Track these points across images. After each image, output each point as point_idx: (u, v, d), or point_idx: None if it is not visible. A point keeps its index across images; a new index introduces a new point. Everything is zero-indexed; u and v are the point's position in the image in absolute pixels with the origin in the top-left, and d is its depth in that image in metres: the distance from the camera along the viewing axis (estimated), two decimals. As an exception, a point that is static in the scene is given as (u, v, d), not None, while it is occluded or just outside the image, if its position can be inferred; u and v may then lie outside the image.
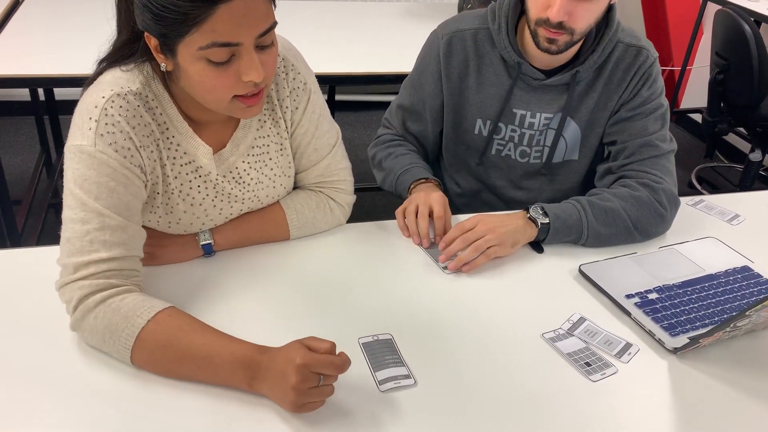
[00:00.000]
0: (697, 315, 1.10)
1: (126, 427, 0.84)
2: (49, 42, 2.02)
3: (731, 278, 1.20)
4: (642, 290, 1.15)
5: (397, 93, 1.54)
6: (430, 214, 1.27)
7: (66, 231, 0.96)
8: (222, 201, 1.13)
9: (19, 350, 0.95)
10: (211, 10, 0.86)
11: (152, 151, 1.03)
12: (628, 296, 1.13)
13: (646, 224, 1.27)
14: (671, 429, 0.90)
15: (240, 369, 0.88)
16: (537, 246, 1.26)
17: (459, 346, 1.02)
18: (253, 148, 1.14)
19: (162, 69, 0.97)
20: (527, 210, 1.26)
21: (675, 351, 1.03)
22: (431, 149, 1.56)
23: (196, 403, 0.88)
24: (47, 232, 2.48)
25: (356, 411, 0.89)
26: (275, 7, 0.95)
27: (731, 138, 3.61)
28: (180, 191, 1.09)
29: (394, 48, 2.24)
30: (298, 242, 1.23)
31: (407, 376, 0.95)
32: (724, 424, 0.92)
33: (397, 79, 2.01)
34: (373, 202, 2.91)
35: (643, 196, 1.28)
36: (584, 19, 1.23)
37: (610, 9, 1.31)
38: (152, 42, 0.93)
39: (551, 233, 1.23)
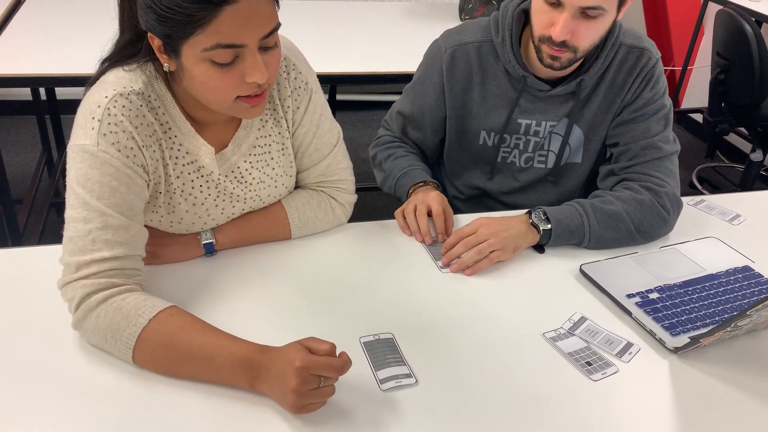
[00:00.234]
0: (697, 315, 1.10)
1: (127, 426, 0.85)
2: (50, 41, 2.02)
3: (732, 278, 1.20)
4: (643, 290, 1.15)
5: (398, 93, 1.54)
6: (429, 214, 1.28)
7: (68, 230, 0.96)
8: (224, 200, 1.14)
9: (20, 349, 0.95)
10: (216, 12, 0.86)
11: (155, 151, 1.03)
12: (629, 296, 1.13)
13: (648, 227, 1.27)
14: (672, 428, 0.91)
15: (241, 369, 0.88)
16: (538, 247, 1.26)
17: (460, 345, 1.02)
18: (254, 147, 1.14)
19: (165, 69, 0.97)
20: (529, 214, 1.25)
21: (676, 350, 1.03)
22: (431, 155, 1.56)
23: (198, 402, 0.89)
24: (48, 231, 2.48)
25: (357, 410, 0.89)
26: (278, 8, 0.95)
27: (732, 138, 3.61)
28: (182, 191, 1.09)
29: (395, 48, 2.24)
30: (300, 241, 1.23)
31: (408, 375, 0.95)
32: (725, 423, 0.92)
33: (398, 78, 2.02)
34: (374, 202, 2.91)
35: (646, 199, 1.28)
36: (588, 38, 1.23)
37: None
38: (155, 42, 0.93)
39: (553, 238, 1.24)
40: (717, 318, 1.10)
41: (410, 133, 1.51)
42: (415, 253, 1.23)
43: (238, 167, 1.13)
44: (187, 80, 0.96)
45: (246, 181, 1.15)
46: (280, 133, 1.16)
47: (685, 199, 1.38)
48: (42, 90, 2.74)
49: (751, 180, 2.89)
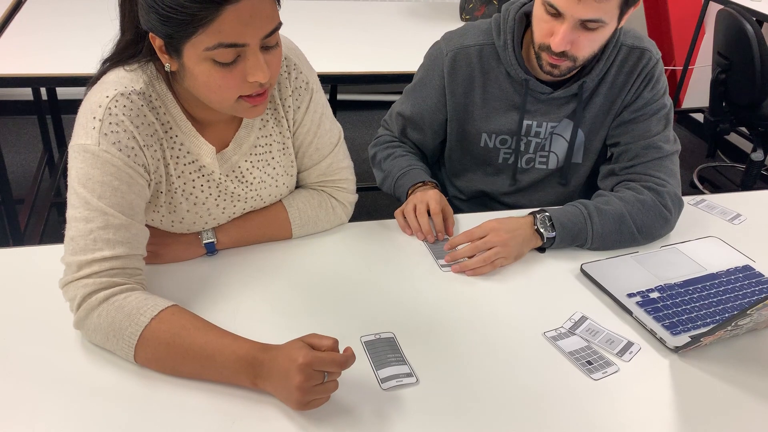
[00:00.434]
0: (698, 314, 1.10)
1: (129, 425, 0.85)
2: (51, 42, 2.03)
3: (732, 277, 1.20)
4: (643, 289, 1.15)
5: (398, 92, 1.54)
6: (429, 213, 1.28)
7: (70, 229, 0.96)
8: (225, 200, 1.14)
9: (22, 349, 0.95)
10: (218, 12, 0.86)
11: (156, 151, 1.03)
12: (630, 295, 1.13)
13: (650, 228, 1.27)
14: (672, 427, 0.91)
15: (243, 368, 0.88)
16: (539, 247, 1.26)
17: (461, 344, 1.02)
18: (255, 147, 1.14)
19: (166, 69, 0.97)
20: (534, 217, 1.25)
21: (676, 350, 1.03)
22: (431, 155, 1.56)
23: (199, 401, 0.89)
24: (50, 231, 2.48)
25: (358, 409, 0.89)
26: (280, 7, 0.95)
27: (733, 137, 3.61)
28: (183, 190, 1.09)
29: (395, 48, 2.24)
30: (300, 241, 1.23)
31: (409, 375, 0.95)
32: (725, 422, 0.92)
33: (398, 78, 2.02)
34: (375, 202, 2.91)
35: (648, 199, 1.28)
36: (587, 49, 1.23)
37: None
38: (157, 42, 0.93)
39: (555, 242, 1.24)
40: (717, 317, 1.10)
41: (410, 135, 1.51)
42: (416, 253, 1.24)
43: (239, 167, 1.13)
44: (189, 80, 0.96)
45: (247, 181, 1.15)
46: (281, 133, 1.17)
47: (686, 199, 1.38)
48: (43, 90, 2.74)
49: (751, 179, 2.89)
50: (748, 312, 0.90)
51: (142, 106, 1.00)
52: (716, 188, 3.35)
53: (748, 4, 2.95)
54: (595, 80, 1.34)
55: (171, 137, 1.05)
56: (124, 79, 0.99)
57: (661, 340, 1.05)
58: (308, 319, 1.05)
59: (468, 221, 1.32)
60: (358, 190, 1.31)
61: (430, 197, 1.29)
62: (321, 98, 1.19)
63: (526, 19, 1.33)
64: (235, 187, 1.14)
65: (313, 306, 1.08)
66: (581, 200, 1.30)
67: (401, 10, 2.65)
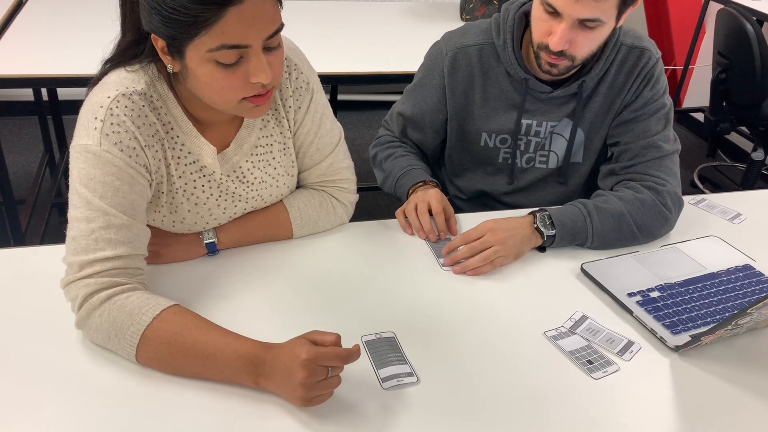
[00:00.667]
0: (698, 313, 1.10)
1: (130, 424, 0.85)
2: (52, 42, 2.03)
3: (733, 277, 1.20)
4: (644, 288, 1.15)
5: (399, 92, 1.54)
6: (430, 212, 1.28)
7: (71, 229, 0.96)
8: (226, 200, 1.14)
9: (23, 348, 0.95)
10: (221, 13, 0.87)
11: (157, 151, 1.03)
12: (630, 294, 1.14)
13: (650, 227, 1.28)
14: (673, 426, 0.91)
15: (244, 367, 0.88)
16: (540, 246, 1.26)
17: (461, 343, 1.02)
18: (256, 147, 1.14)
19: (168, 71, 0.97)
20: (534, 216, 1.25)
21: (677, 349, 1.03)
22: (431, 155, 1.56)
23: (200, 400, 0.89)
24: (50, 232, 2.48)
25: (359, 409, 0.89)
26: (282, 8, 0.95)
27: (733, 137, 3.61)
28: (184, 190, 1.09)
29: (396, 48, 2.24)
30: (301, 241, 1.23)
31: (410, 374, 0.96)
32: (726, 421, 0.92)
33: (399, 78, 2.02)
34: (375, 202, 2.91)
35: (648, 198, 1.28)
36: (585, 48, 1.23)
37: None
38: (159, 43, 0.93)
39: (556, 241, 1.24)
40: (718, 316, 1.10)
41: (410, 134, 1.51)
42: (416, 252, 1.24)
43: (240, 167, 1.14)
44: (192, 81, 0.96)
45: (248, 181, 1.15)
46: (281, 133, 1.17)
47: (686, 198, 1.38)
48: (44, 90, 2.74)
49: (752, 179, 2.89)
50: (748, 311, 0.90)
51: (144, 106, 1.00)
52: (716, 188, 3.35)
53: (748, 4, 2.95)
54: (595, 80, 1.34)
55: (172, 137, 1.05)
56: (126, 80, 0.99)
57: (661, 340, 1.05)
58: (309, 318, 1.05)
59: (468, 221, 1.32)
60: (359, 190, 1.31)
61: (431, 196, 1.30)
62: (321, 98, 1.19)
63: (526, 19, 1.33)
64: (236, 188, 1.14)
65: (314, 306, 1.08)
66: (580, 200, 1.30)
67: (401, 10, 2.65)
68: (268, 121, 1.15)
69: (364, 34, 2.37)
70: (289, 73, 1.13)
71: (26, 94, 2.89)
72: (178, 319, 0.93)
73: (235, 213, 1.17)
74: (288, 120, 1.16)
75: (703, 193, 1.56)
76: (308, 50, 1.20)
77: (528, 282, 1.18)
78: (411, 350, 1.00)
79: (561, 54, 1.23)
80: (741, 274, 1.21)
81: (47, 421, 0.85)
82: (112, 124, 0.96)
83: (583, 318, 1.09)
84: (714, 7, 3.07)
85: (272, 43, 0.94)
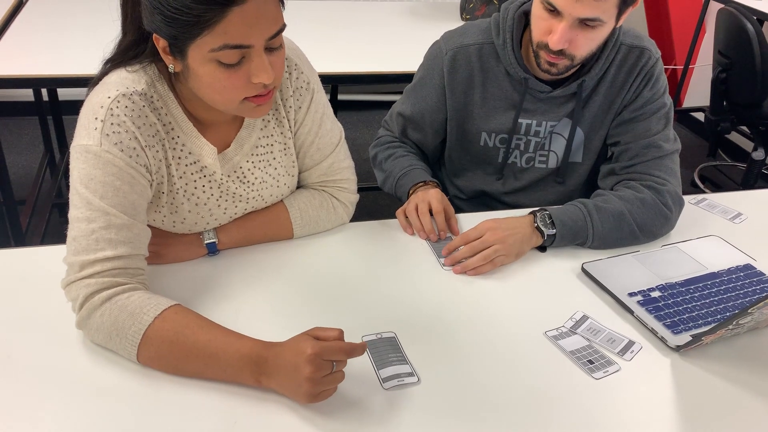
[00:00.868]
0: (699, 313, 1.10)
1: (131, 424, 0.85)
2: (52, 42, 2.03)
3: (734, 276, 1.20)
4: (645, 288, 1.15)
5: (399, 92, 1.54)
6: (430, 212, 1.28)
7: (72, 230, 0.96)
8: (226, 200, 1.14)
9: (24, 349, 0.95)
10: (224, 13, 0.87)
11: (157, 151, 1.03)
12: (631, 294, 1.14)
13: (651, 226, 1.28)
14: (673, 426, 0.91)
15: (247, 365, 0.88)
16: (540, 246, 1.26)
17: (462, 344, 1.02)
18: (257, 147, 1.14)
19: (170, 70, 0.97)
20: (534, 216, 1.25)
21: (677, 349, 1.03)
22: (431, 155, 1.56)
23: (201, 400, 0.89)
24: (51, 232, 2.48)
25: (360, 408, 0.89)
26: (284, 9, 0.96)
27: (734, 137, 3.61)
28: (185, 191, 1.09)
29: (396, 48, 2.24)
30: (302, 241, 1.23)
31: (410, 374, 0.96)
32: (726, 421, 0.92)
33: (399, 78, 2.02)
34: (376, 202, 2.91)
35: (648, 198, 1.28)
36: (585, 47, 1.23)
37: None
38: (161, 43, 0.93)
39: (557, 241, 1.24)
40: (719, 316, 1.10)
41: (411, 135, 1.51)
42: (417, 252, 1.24)
43: (241, 167, 1.14)
44: (193, 81, 0.96)
45: (248, 181, 1.15)
46: (282, 133, 1.17)
47: (686, 198, 1.38)
48: (44, 91, 2.75)
49: (752, 178, 2.89)
50: (749, 311, 0.90)
51: (144, 106, 1.00)
52: (717, 187, 3.35)
53: (749, 3, 2.95)
54: (595, 79, 1.34)
55: (173, 138, 1.05)
56: (126, 80, 0.99)
57: (662, 339, 1.05)
58: (310, 318, 1.05)
59: (468, 221, 1.32)
60: (359, 189, 1.31)
61: (431, 196, 1.30)
62: (322, 98, 1.19)
63: (525, 18, 1.33)
64: (236, 188, 1.14)
65: (315, 306, 1.08)
66: (580, 199, 1.30)
67: (401, 10, 2.65)
68: (269, 121, 1.15)
69: (364, 34, 2.37)
70: (290, 73, 1.13)
71: (26, 94, 2.89)
72: (179, 319, 0.93)
73: (235, 213, 1.17)
74: (288, 120, 1.16)
75: (703, 192, 1.56)
76: (308, 50, 1.20)
77: (529, 282, 1.17)
78: (412, 350, 1.00)
79: (561, 53, 1.23)
80: (742, 274, 1.21)
81: (47, 422, 0.85)
82: (112, 124, 0.96)
83: (584, 318, 1.09)
84: (714, 7, 3.06)
85: (274, 44, 0.94)
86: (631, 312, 1.10)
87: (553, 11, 1.19)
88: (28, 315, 1.01)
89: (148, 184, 1.03)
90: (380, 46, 2.26)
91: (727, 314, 1.11)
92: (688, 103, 3.92)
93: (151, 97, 1.01)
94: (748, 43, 2.48)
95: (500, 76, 1.37)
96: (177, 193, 1.09)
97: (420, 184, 1.39)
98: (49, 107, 2.74)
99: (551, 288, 1.16)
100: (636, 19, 3.91)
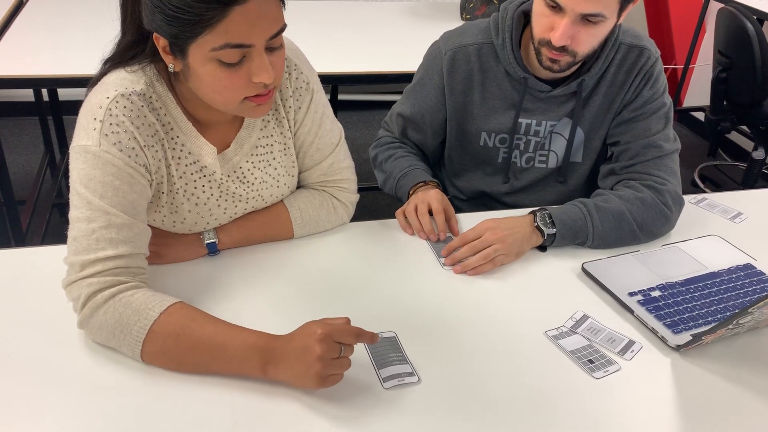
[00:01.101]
0: (699, 312, 1.10)
1: (132, 423, 0.85)
2: (52, 42, 2.03)
3: (734, 276, 1.20)
4: (645, 288, 1.15)
5: (399, 92, 1.54)
6: (430, 212, 1.28)
7: (72, 230, 0.96)
8: (226, 200, 1.14)
9: (24, 349, 0.95)
10: (225, 12, 0.87)
11: (157, 151, 1.03)
12: (631, 294, 1.14)
13: (651, 226, 1.28)
14: (674, 426, 0.91)
15: (253, 355, 0.89)
16: (541, 245, 1.26)
17: (462, 343, 1.02)
18: (257, 147, 1.14)
19: (170, 70, 0.97)
20: (534, 215, 1.25)
21: (678, 348, 1.03)
22: (431, 156, 1.56)
23: (204, 397, 0.89)
24: (51, 232, 2.48)
25: (360, 408, 0.89)
26: (284, 9, 0.96)
27: (734, 136, 3.61)
28: (185, 191, 1.09)
29: (396, 47, 2.24)
30: (302, 241, 1.23)
31: (411, 374, 0.96)
32: (727, 420, 0.92)
33: (399, 78, 2.02)
34: (376, 202, 2.92)
35: (648, 197, 1.28)
36: (587, 43, 1.23)
37: None
38: (161, 43, 0.93)
39: (557, 240, 1.24)
40: (719, 316, 1.10)
41: (410, 135, 1.51)
42: (417, 252, 1.24)
43: (241, 167, 1.14)
44: (193, 80, 0.97)
45: (248, 181, 1.15)
46: (282, 133, 1.17)
47: (686, 198, 1.38)
48: (44, 91, 2.75)
49: (753, 178, 2.89)
50: (749, 310, 0.90)
51: (143, 106, 1.00)
52: (717, 187, 3.35)
53: (749, 3, 2.95)
54: (594, 78, 1.34)
55: (172, 138, 1.05)
56: (125, 80, 0.99)
57: (662, 339, 1.05)
58: (310, 318, 1.04)
59: (468, 221, 1.32)
60: (359, 190, 1.31)
61: (431, 197, 1.30)
62: (321, 98, 1.19)
63: (525, 18, 1.33)
64: (236, 188, 1.14)
65: (315, 306, 1.08)
66: (580, 199, 1.30)
67: (401, 10, 2.65)
68: (269, 121, 1.15)
69: (364, 34, 2.37)
70: (289, 73, 1.13)
71: (27, 94, 2.89)
72: (186, 313, 0.93)
73: (235, 213, 1.17)
74: (288, 120, 1.16)
75: (703, 192, 1.56)
76: (308, 50, 1.20)
77: (529, 281, 1.17)
78: (412, 350, 1.00)
79: (563, 49, 1.23)
80: (742, 273, 1.21)
81: (48, 421, 0.85)
82: (111, 124, 0.96)
83: (584, 317, 1.09)
84: (714, 6, 3.06)
85: (275, 43, 0.95)
86: (631, 311, 1.10)
87: (555, 7, 1.19)
88: (28, 315, 1.01)
89: (148, 183, 1.03)
90: (380, 46, 2.26)
91: (728, 314, 1.11)
92: (688, 102, 3.92)
93: (150, 97, 1.01)
94: (748, 43, 2.48)
95: (500, 76, 1.37)
96: (177, 193, 1.09)
97: (420, 185, 1.39)
98: (50, 107, 2.74)
99: (551, 288, 1.16)
100: (636, 18, 3.91)
